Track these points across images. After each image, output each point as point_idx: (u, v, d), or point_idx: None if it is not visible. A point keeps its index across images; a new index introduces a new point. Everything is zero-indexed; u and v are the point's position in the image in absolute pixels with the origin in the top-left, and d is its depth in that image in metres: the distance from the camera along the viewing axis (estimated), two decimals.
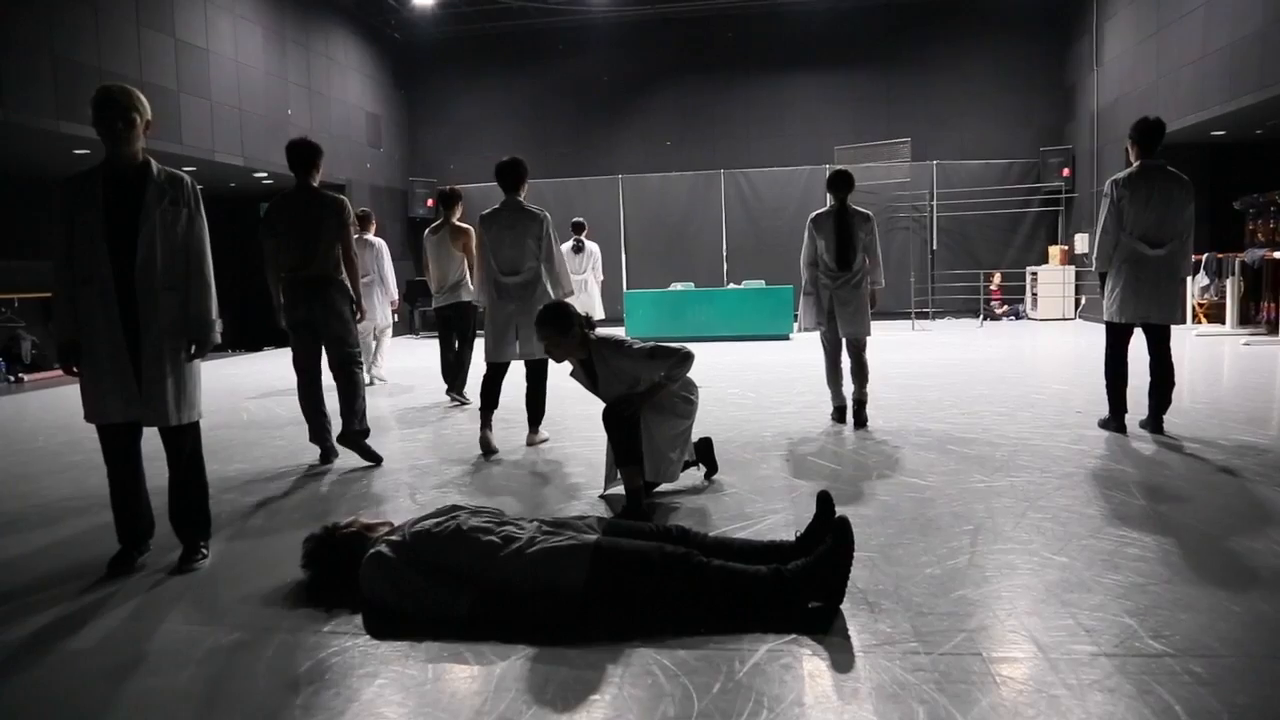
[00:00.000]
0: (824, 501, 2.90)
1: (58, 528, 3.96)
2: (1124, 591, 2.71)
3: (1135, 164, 5.09)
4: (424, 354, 11.43)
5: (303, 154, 4.93)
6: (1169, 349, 5.09)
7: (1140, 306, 5.03)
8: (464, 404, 7.26)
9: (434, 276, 7.54)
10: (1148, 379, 5.14)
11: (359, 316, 5.04)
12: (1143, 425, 5.16)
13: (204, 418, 3.41)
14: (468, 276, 7.37)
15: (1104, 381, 5.22)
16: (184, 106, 10.55)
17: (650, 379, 3.84)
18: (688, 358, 3.89)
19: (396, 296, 8.97)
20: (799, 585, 2.59)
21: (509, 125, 16.40)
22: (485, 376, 5.36)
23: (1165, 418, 5.13)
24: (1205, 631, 2.41)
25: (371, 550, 2.81)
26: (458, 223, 7.48)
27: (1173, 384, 5.10)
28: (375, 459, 4.99)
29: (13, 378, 10.13)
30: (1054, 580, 2.83)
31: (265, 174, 12.42)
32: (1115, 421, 5.18)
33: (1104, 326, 5.25)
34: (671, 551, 2.64)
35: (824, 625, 2.52)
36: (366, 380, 8.51)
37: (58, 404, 8.22)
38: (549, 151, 16.13)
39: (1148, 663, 2.24)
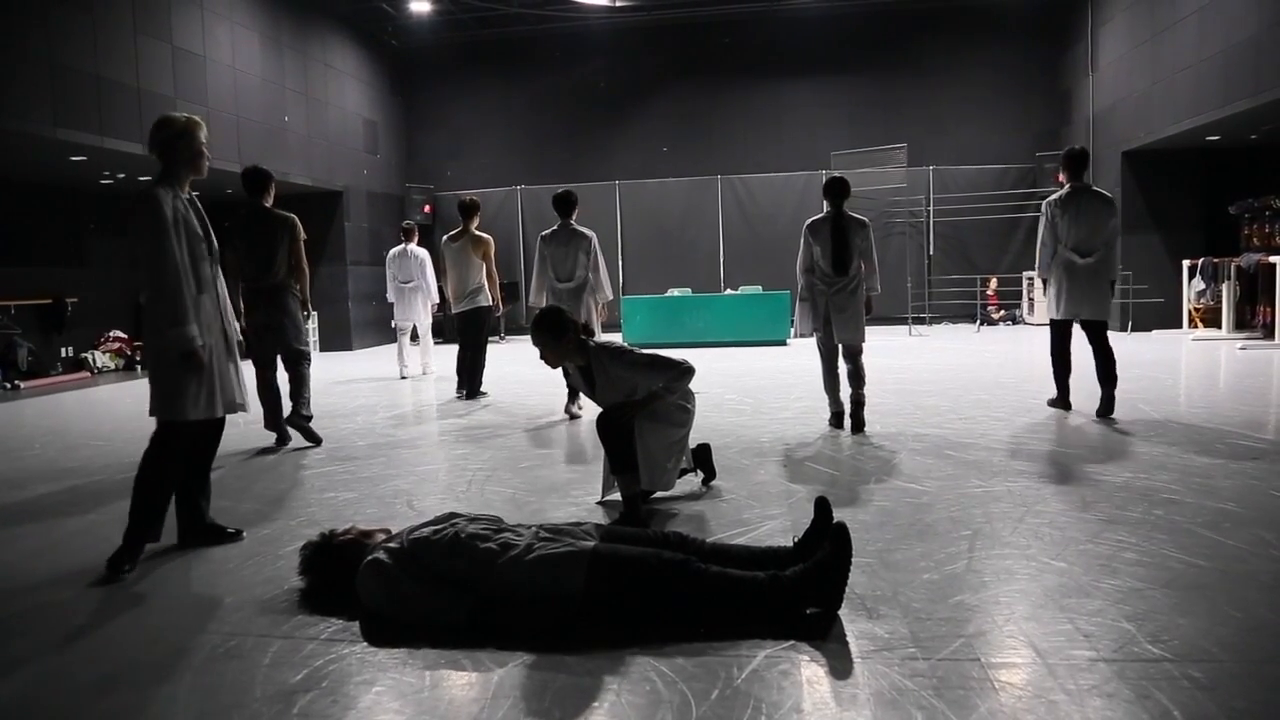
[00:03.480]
0: (822, 507, 2.90)
1: (54, 535, 3.94)
2: (1122, 596, 2.71)
3: (1066, 187, 5.93)
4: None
5: (255, 180, 5.78)
6: (1106, 339, 5.86)
7: (1072, 305, 5.90)
8: (484, 396, 7.96)
9: (451, 282, 7.69)
10: (1098, 373, 5.82)
11: (307, 315, 5.95)
12: (1099, 414, 5.75)
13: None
14: (484, 283, 7.76)
15: (1070, 374, 6.07)
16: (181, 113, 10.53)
17: (648, 388, 3.84)
18: (688, 372, 3.87)
19: (437, 300, 9.67)
20: (797, 591, 2.58)
21: (506, 132, 16.41)
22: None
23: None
24: (1204, 636, 2.41)
25: (369, 557, 2.80)
26: (477, 232, 7.60)
27: (1114, 362, 5.83)
28: (316, 440, 5.83)
29: (9, 384, 10.11)
30: (1052, 585, 2.83)
31: None
32: (1061, 401, 6.09)
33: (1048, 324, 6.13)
34: (669, 558, 2.63)
35: (822, 631, 2.52)
36: (419, 371, 9.79)
37: (54, 411, 8.21)
38: (545, 158, 16.15)
39: (1146, 668, 2.24)
